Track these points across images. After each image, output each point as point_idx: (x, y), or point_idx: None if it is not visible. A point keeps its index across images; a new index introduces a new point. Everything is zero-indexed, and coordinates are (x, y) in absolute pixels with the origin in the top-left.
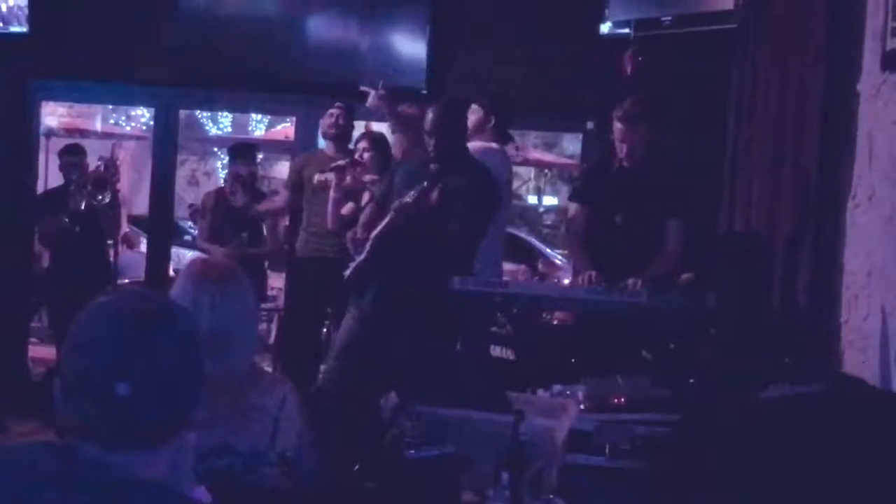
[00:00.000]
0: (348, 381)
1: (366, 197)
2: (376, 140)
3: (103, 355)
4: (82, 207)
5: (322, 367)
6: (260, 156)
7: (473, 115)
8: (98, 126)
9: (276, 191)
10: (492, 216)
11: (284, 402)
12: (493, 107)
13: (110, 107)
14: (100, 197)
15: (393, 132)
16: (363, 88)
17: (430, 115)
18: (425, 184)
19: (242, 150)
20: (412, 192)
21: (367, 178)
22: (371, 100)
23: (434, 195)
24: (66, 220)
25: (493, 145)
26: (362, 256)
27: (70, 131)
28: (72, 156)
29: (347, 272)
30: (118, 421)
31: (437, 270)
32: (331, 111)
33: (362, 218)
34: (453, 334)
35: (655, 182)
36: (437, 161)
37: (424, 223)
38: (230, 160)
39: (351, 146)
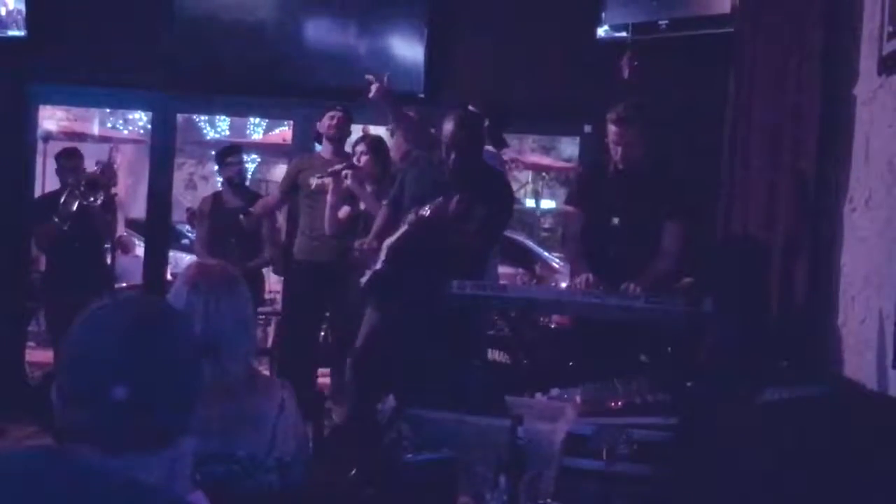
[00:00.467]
0: (374, 382)
1: (362, 202)
2: (374, 144)
3: (101, 360)
4: (74, 209)
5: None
6: (257, 158)
7: None
8: (95, 130)
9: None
10: (507, 223)
11: (283, 407)
12: (486, 109)
13: (108, 110)
14: (91, 198)
15: (392, 134)
16: (368, 77)
17: (448, 128)
18: (441, 199)
19: (223, 154)
20: (429, 206)
21: (368, 188)
22: (374, 92)
23: (452, 205)
24: (56, 220)
25: (489, 149)
26: (378, 266)
27: (67, 135)
28: (68, 160)
29: (363, 280)
30: (116, 425)
31: (453, 278)
32: (331, 113)
33: (375, 228)
34: (464, 339)
35: (652, 184)
36: (454, 173)
37: (442, 232)
38: (217, 166)
39: (348, 149)
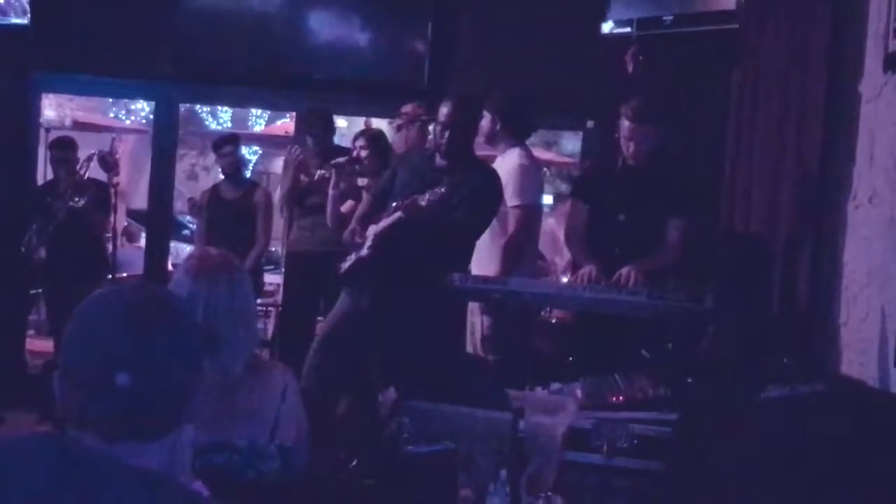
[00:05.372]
0: (330, 368)
1: (365, 195)
2: (374, 138)
3: (103, 346)
4: (63, 214)
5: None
6: (259, 150)
7: (485, 122)
8: (98, 119)
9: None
10: (493, 216)
11: (286, 393)
12: (496, 109)
13: (110, 100)
14: (76, 199)
15: (397, 129)
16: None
17: (445, 109)
18: (442, 189)
19: (219, 143)
20: (426, 196)
21: (362, 181)
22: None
23: (443, 192)
24: (33, 241)
25: (514, 150)
26: (363, 252)
27: (71, 124)
28: (60, 150)
29: (345, 265)
30: (118, 412)
31: (437, 268)
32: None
33: (358, 211)
34: (453, 331)
35: (658, 181)
36: (446, 155)
37: (428, 219)
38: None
39: (346, 143)
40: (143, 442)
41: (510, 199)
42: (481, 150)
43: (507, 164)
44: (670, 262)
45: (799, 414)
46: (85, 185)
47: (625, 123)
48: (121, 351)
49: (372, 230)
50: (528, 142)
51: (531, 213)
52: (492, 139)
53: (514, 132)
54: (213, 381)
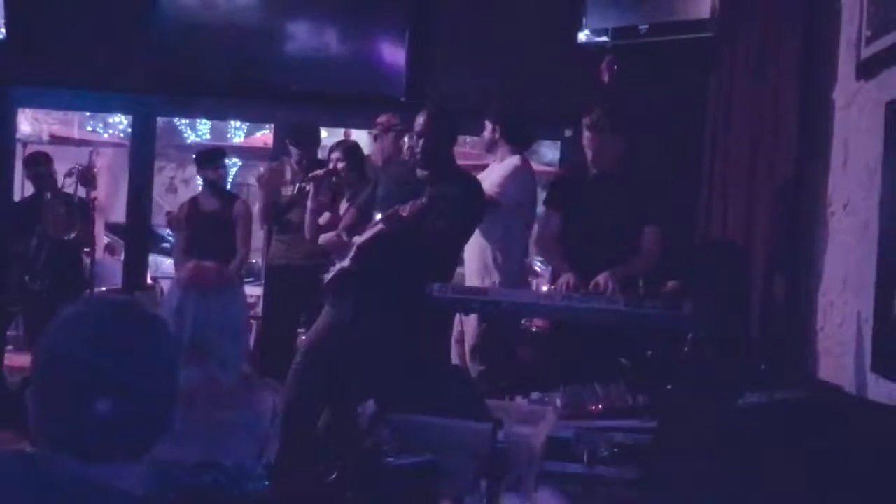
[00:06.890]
0: (315, 381)
1: (343, 207)
2: (349, 149)
3: (76, 367)
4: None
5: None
6: (238, 162)
7: (486, 132)
8: (75, 133)
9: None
10: (476, 225)
11: (276, 410)
12: (495, 118)
13: (88, 114)
14: (70, 234)
15: (375, 139)
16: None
17: (420, 118)
18: (424, 199)
19: (208, 156)
20: (407, 206)
21: (326, 219)
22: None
23: (424, 202)
24: (28, 278)
25: (513, 159)
26: (346, 263)
27: (48, 138)
28: (36, 166)
29: (328, 276)
30: (96, 435)
31: (420, 279)
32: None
33: (343, 221)
34: (436, 342)
35: (629, 188)
36: (423, 165)
37: (415, 233)
38: (197, 167)
39: (322, 155)
40: (119, 463)
41: (491, 188)
42: (480, 160)
43: (503, 165)
44: (646, 269)
45: (777, 420)
46: (74, 222)
47: (585, 133)
48: (95, 372)
49: (355, 241)
50: (507, 150)
51: (508, 208)
52: (491, 147)
53: (514, 141)
54: (202, 396)
